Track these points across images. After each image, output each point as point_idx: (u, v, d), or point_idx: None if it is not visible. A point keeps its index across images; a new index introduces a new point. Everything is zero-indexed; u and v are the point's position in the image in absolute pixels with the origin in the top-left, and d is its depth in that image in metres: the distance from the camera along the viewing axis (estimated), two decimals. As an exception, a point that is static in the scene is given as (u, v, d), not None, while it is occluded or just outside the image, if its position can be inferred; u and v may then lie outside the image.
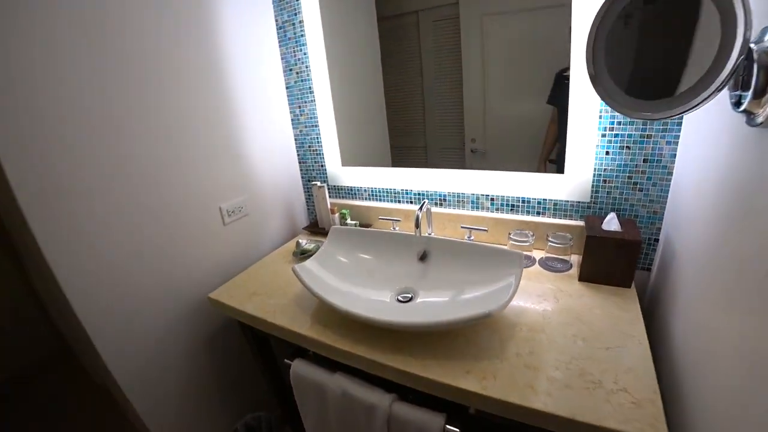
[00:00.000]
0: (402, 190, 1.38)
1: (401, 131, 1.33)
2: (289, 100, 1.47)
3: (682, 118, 0.94)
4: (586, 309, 0.91)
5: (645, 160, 1.01)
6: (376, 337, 0.88)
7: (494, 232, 1.23)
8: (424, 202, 1.10)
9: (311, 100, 1.42)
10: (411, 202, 1.38)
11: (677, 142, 0.96)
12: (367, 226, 1.44)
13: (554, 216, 1.17)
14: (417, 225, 1.04)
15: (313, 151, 1.51)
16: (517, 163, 1.18)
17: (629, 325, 0.83)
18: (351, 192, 1.50)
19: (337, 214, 1.42)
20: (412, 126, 1.30)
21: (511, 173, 1.17)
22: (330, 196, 1.50)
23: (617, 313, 0.88)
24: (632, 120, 0.98)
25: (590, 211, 1.12)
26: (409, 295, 1.05)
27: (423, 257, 1.12)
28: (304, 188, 1.62)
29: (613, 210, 1.08)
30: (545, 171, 1.13)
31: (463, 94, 1.18)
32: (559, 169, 1.11)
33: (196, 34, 1.12)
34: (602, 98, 0.70)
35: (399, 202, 1.40)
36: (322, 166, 1.52)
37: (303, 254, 1.31)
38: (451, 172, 1.26)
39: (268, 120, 1.40)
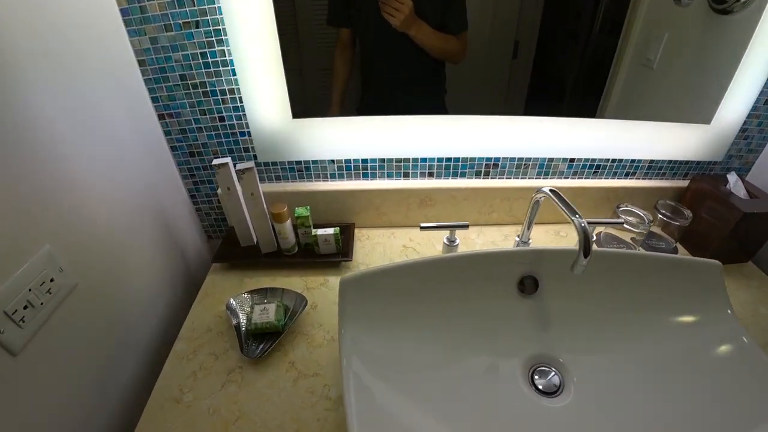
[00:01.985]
0: (415, 157, 0.74)
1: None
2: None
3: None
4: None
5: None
6: None
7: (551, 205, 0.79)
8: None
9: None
10: (430, 175, 0.77)
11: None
12: (348, 227, 0.77)
13: (645, 177, 0.81)
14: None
15: (198, 88, 0.65)
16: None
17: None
18: (303, 170, 0.75)
19: (288, 221, 0.69)
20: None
21: (610, 122, 0.71)
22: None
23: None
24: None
25: (686, 167, 0.80)
26: (551, 373, 0.55)
27: (530, 287, 0.60)
28: (183, 177, 0.75)
29: (714, 164, 0.80)
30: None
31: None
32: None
33: None
34: None
35: (407, 176, 0.77)
36: (224, 120, 0.68)
37: (258, 331, 0.58)
38: (505, 121, 0.70)
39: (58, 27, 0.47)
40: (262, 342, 0.58)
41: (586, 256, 0.48)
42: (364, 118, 0.68)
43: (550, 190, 0.57)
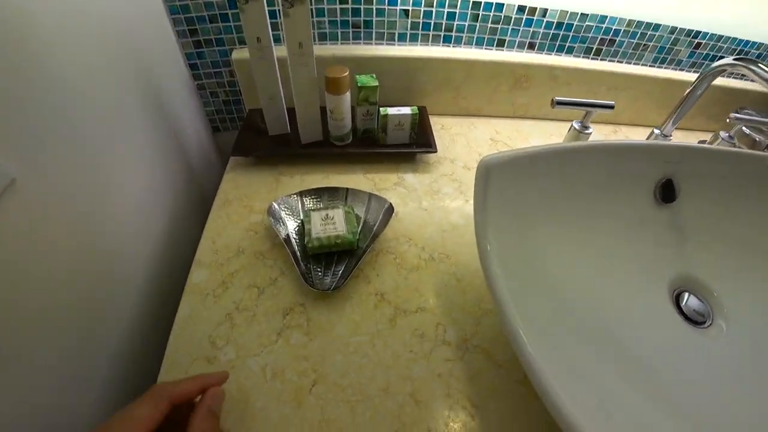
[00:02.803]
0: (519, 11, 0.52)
1: None
2: None
3: None
4: None
5: None
6: None
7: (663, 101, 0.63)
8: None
9: None
10: (531, 47, 0.55)
11: None
12: (421, 111, 0.55)
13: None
14: None
15: None
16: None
17: None
18: (362, 25, 0.50)
19: (347, 94, 0.46)
20: None
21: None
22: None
23: None
24: None
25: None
26: (697, 300, 0.43)
27: (669, 194, 0.45)
28: (179, 35, 0.47)
29: None
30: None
31: None
32: None
33: None
34: None
35: (502, 45, 0.54)
36: None
37: (324, 249, 0.39)
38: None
39: None
40: (329, 266, 0.39)
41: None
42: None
43: (736, 58, 0.40)
